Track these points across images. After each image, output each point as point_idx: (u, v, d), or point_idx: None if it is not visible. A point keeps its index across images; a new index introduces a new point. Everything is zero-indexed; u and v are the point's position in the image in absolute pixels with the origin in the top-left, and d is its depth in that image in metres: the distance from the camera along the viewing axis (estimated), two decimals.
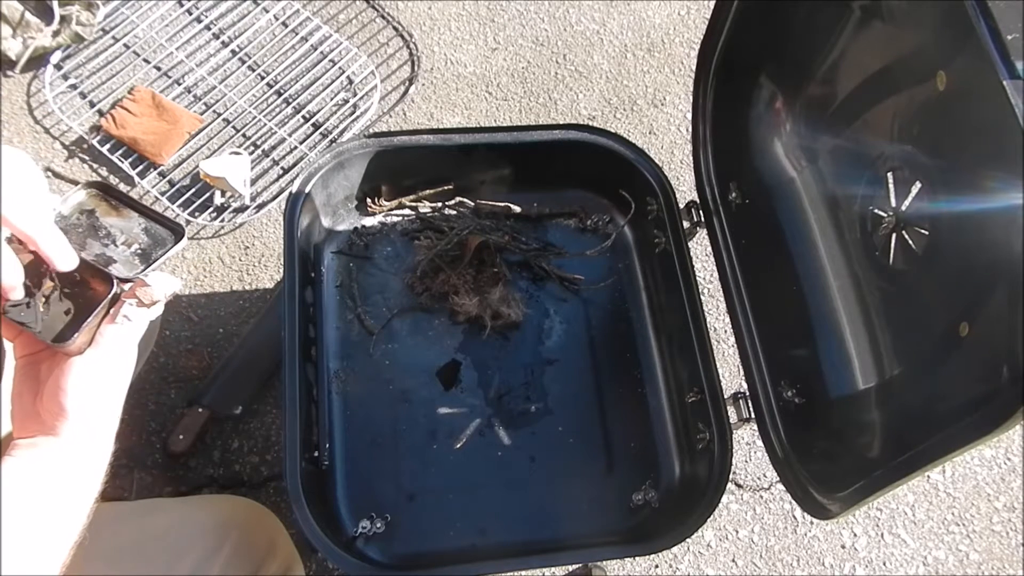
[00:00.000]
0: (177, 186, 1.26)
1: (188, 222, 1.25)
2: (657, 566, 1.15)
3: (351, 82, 1.38)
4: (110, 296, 0.51)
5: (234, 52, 1.38)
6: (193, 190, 1.26)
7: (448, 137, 0.96)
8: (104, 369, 0.52)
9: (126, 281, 0.52)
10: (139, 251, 0.55)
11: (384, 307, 0.99)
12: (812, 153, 0.84)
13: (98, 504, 0.59)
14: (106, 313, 0.52)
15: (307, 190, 0.92)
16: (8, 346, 0.55)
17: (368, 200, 1.03)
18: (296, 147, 1.31)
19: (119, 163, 1.26)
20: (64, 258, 0.49)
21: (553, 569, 1.10)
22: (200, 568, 0.70)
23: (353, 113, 1.36)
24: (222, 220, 1.26)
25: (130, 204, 0.56)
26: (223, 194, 1.26)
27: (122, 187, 1.26)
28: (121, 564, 0.67)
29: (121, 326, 0.52)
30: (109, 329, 0.52)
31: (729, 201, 0.92)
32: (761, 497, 1.20)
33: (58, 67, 1.34)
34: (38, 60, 1.33)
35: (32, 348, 0.53)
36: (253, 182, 1.28)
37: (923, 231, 0.67)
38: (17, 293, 0.49)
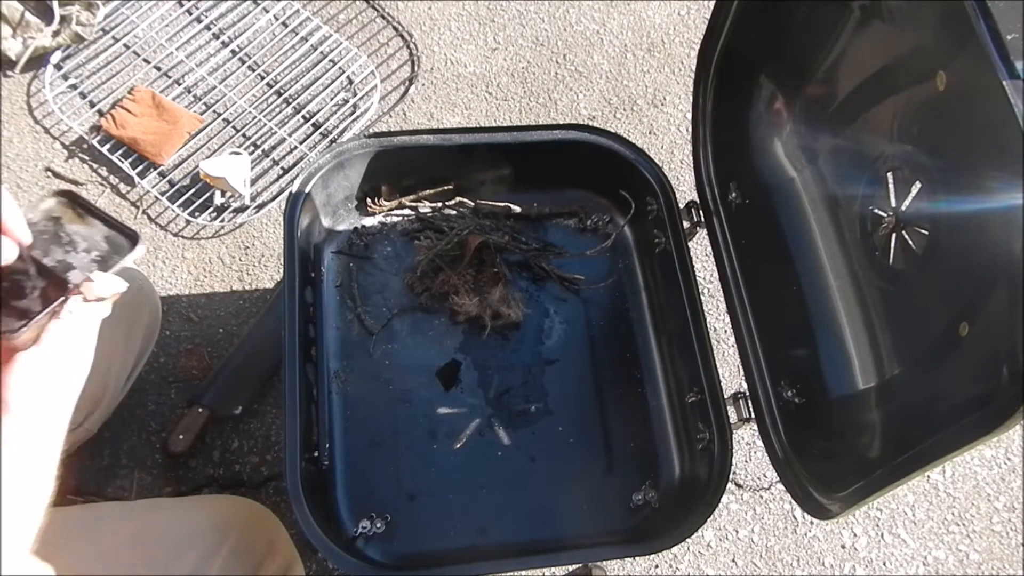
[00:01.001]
0: (177, 186, 1.27)
1: (188, 222, 1.25)
2: (657, 566, 1.15)
3: (351, 82, 1.38)
4: (62, 299, 0.53)
5: (234, 52, 1.38)
6: (193, 190, 1.26)
7: (448, 137, 0.96)
8: (47, 363, 0.53)
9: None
10: (98, 258, 0.58)
11: (384, 307, 0.99)
12: (812, 153, 0.84)
13: (98, 504, 0.59)
14: (55, 313, 0.54)
15: (307, 190, 0.92)
16: None
17: (368, 200, 1.03)
18: (296, 147, 1.31)
19: (119, 163, 1.26)
20: (25, 233, 0.52)
21: (553, 569, 1.10)
22: (199, 568, 0.70)
23: (353, 113, 1.36)
24: (222, 220, 1.26)
25: (94, 213, 0.59)
26: (223, 194, 1.26)
27: (122, 187, 1.26)
28: (120, 563, 0.68)
29: (63, 320, 0.53)
30: (52, 324, 0.53)
31: (729, 201, 0.92)
32: (761, 497, 1.20)
33: (58, 67, 1.34)
34: (38, 60, 1.33)
35: None
36: (253, 182, 1.28)
37: (923, 231, 0.67)
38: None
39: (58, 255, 0.57)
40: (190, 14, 1.40)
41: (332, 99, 1.36)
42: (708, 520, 0.81)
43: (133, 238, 0.58)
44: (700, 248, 1.31)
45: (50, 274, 0.55)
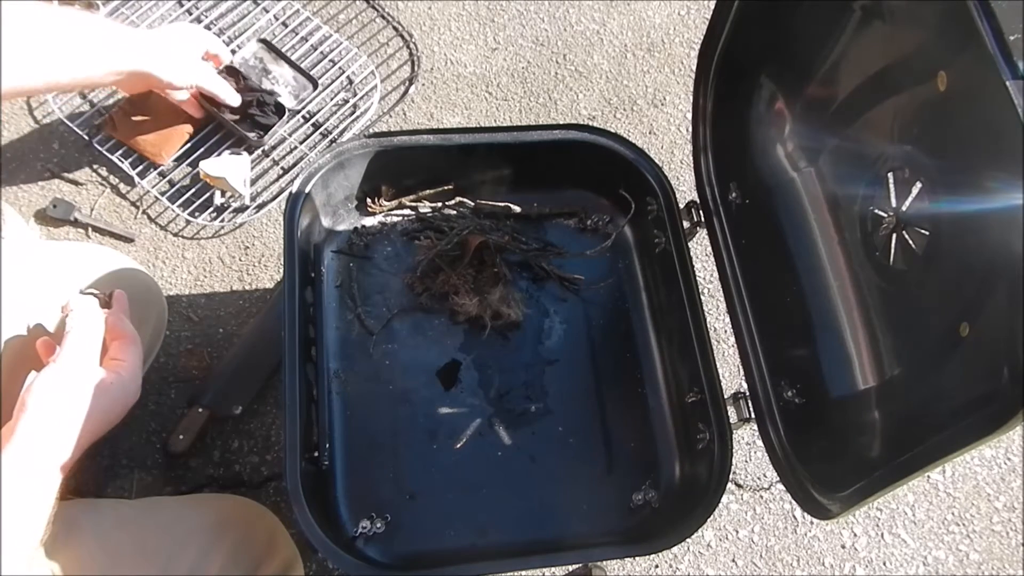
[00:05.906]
0: (177, 186, 1.26)
1: (188, 222, 1.25)
2: (657, 566, 1.15)
3: (351, 82, 1.38)
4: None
5: (234, 52, 1.38)
6: (193, 190, 1.26)
7: (448, 137, 0.96)
8: (67, 374, 0.61)
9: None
10: (292, 91, 0.96)
11: (384, 307, 0.99)
12: (812, 153, 0.84)
13: (98, 500, 0.60)
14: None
15: (307, 190, 0.92)
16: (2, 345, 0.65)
17: (368, 200, 1.03)
18: (296, 147, 1.31)
19: (119, 163, 1.26)
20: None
21: (553, 569, 1.10)
22: (199, 566, 0.70)
23: (353, 113, 1.36)
24: (222, 220, 1.26)
25: (285, 58, 0.98)
26: (223, 194, 1.26)
27: (122, 187, 1.26)
28: (119, 562, 0.68)
29: (78, 335, 0.63)
30: (68, 340, 0.62)
31: (729, 201, 0.92)
32: (761, 497, 1.20)
33: None
34: None
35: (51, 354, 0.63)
36: (253, 182, 1.28)
37: (923, 231, 0.67)
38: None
39: (266, 84, 0.87)
40: (190, 14, 1.40)
41: (332, 99, 1.36)
42: (708, 520, 0.81)
43: (312, 80, 0.88)
44: (700, 248, 1.31)
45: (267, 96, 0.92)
